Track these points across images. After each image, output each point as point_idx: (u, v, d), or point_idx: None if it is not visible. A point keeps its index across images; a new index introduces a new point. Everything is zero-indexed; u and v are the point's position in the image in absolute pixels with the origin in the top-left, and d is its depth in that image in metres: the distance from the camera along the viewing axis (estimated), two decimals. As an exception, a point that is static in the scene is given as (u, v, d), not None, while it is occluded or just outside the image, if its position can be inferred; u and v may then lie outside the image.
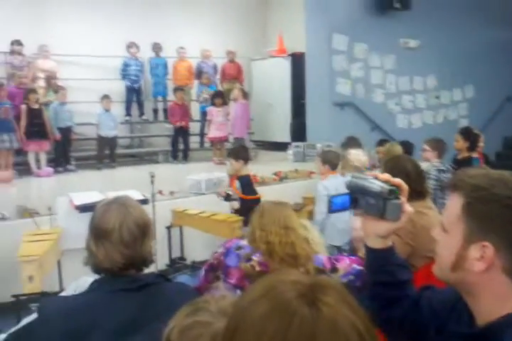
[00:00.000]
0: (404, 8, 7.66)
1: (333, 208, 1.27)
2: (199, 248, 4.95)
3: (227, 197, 4.60)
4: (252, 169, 6.44)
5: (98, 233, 1.55)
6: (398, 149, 4.92)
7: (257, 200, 4.68)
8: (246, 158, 4.69)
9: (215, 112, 7.72)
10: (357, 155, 4.39)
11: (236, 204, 4.44)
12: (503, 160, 5.47)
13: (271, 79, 9.60)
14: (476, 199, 1.01)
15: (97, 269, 1.56)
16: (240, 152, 4.77)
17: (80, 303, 1.50)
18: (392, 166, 2.80)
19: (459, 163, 4.73)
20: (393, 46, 8.20)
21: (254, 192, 4.71)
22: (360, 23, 7.75)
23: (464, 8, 8.70)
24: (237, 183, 4.53)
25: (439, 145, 4.80)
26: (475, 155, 5.40)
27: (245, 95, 7.97)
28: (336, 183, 4.10)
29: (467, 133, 5.49)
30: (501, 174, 1.03)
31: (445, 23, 8.52)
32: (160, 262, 4.32)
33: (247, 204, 4.52)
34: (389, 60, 8.21)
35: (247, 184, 4.62)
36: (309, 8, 7.80)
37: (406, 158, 3.02)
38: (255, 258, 2.17)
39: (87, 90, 8.38)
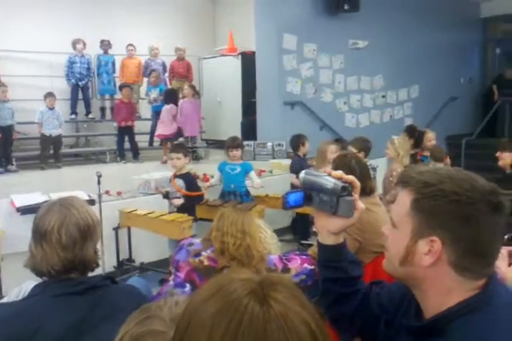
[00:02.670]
0: (353, 10, 7.80)
1: (287, 205, 1.26)
2: (148, 249, 4.87)
3: (166, 195, 4.57)
4: (203, 168, 6.42)
5: (37, 234, 1.52)
6: (330, 148, 4.97)
7: (201, 197, 4.70)
8: (189, 155, 4.80)
9: (163, 110, 7.62)
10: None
11: (178, 201, 4.41)
12: (446, 158, 5.71)
13: (221, 77, 9.56)
14: (424, 195, 1.03)
15: (36, 272, 1.52)
16: (187, 148, 4.80)
17: (21, 309, 1.44)
18: (339, 163, 2.87)
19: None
20: (342, 46, 8.34)
21: (199, 189, 4.73)
22: (310, 23, 7.84)
23: (411, 11, 8.97)
24: (178, 181, 4.50)
25: (364, 145, 4.91)
26: (426, 153, 5.57)
27: (195, 93, 7.90)
28: None
29: (411, 131, 5.67)
30: (448, 170, 1.06)
31: (392, 25, 8.76)
32: (107, 264, 4.20)
33: (192, 201, 4.55)
34: (337, 60, 8.35)
35: (191, 181, 4.62)
36: (259, 7, 7.81)
37: (352, 155, 3.10)
38: (205, 253, 2.19)
39: (31, 87, 8.09)
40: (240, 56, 9.18)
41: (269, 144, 7.54)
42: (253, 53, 8.32)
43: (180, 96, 8.32)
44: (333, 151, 4.97)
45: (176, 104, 7.71)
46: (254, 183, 5.10)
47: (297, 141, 5.64)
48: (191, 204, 4.54)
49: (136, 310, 1.09)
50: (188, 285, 2.17)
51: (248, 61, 8.74)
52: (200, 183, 5.15)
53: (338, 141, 5.81)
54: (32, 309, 1.43)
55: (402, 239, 1.06)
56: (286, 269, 2.23)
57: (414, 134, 5.57)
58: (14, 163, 7.06)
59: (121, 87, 8.07)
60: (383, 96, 9.10)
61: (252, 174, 5.15)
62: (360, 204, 1.21)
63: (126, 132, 7.79)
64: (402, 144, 4.88)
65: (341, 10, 7.82)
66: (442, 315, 1.02)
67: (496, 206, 0.99)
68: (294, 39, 7.75)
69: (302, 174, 1.22)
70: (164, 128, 7.59)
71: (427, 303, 1.07)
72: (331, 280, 1.30)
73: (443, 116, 9.96)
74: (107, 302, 1.49)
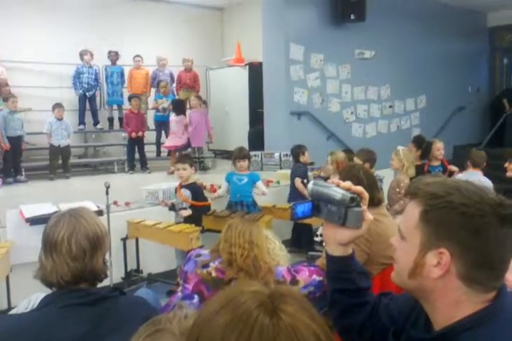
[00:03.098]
0: (359, 20, 7.83)
1: (295, 216, 1.25)
2: (156, 260, 4.86)
3: (172, 207, 4.61)
4: (210, 178, 6.43)
5: (47, 244, 1.53)
6: (341, 156, 5.05)
7: (208, 207, 4.70)
8: (194, 165, 4.83)
9: (173, 121, 7.66)
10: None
11: (185, 213, 4.41)
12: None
13: (228, 88, 9.62)
14: (433, 206, 1.02)
15: (46, 282, 1.52)
16: (192, 159, 4.85)
17: (30, 320, 1.44)
18: (346, 174, 2.87)
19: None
20: (348, 56, 8.37)
21: (205, 199, 4.73)
22: (317, 33, 7.88)
23: (418, 20, 9.01)
24: (185, 192, 4.50)
25: (369, 157, 4.89)
26: (436, 163, 5.54)
27: (202, 102, 7.94)
28: None
29: (419, 142, 5.64)
30: (457, 182, 1.06)
31: (398, 35, 8.79)
32: (115, 275, 4.20)
33: (199, 211, 4.55)
34: (344, 70, 8.37)
35: (197, 191, 4.62)
36: (266, 18, 7.87)
37: (359, 166, 3.10)
38: (213, 264, 2.18)
39: (40, 98, 8.17)
40: (247, 66, 9.24)
41: (277, 154, 7.54)
42: (260, 64, 8.37)
43: (188, 106, 8.38)
44: (327, 162, 5.05)
45: (185, 115, 7.77)
46: (260, 191, 5.13)
47: (297, 151, 5.79)
48: (198, 214, 4.54)
49: (146, 323, 1.09)
50: (196, 296, 2.17)
51: (255, 71, 8.79)
52: (207, 194, 5.17)
53: (346, 151, 5.82)
54: (42, 320, 1.43)
55: (410, 251, 1.06)
56: (294, 281, 2.22)
57: (422, 145, 5.55)
58: (23, 173, 7.11)
59: (130, 98, 8.12)
60: (390, 106, 9.10)
61: (259, 183, 5.17)
62: (369, 216, 1.21)
63: (136, 143, 7.82)
64: (407, 155, 4.87)
65: (347, 20, 7.86)
66: (451, 327, 1.01)
67: (504, 218, 0.98)
68: (301, 49, 7.79)
69: (310, 185, 1.22)
70: (176, 139, 7.63)
71: (436, 315, 1.07)
72: (340, 292, 1.30)
73: (451, 126, 9.95)
74: (115, 313, 1.49)
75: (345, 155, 5.14)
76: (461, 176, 5.22)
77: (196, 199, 4.54)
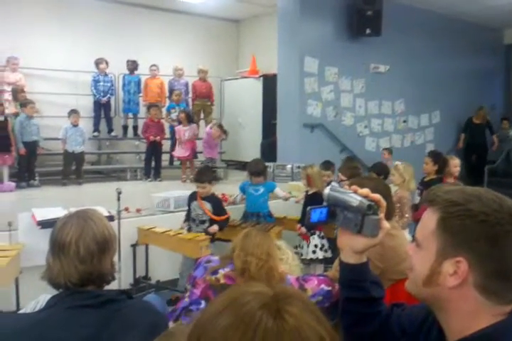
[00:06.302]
0: (375, 34, 7.86)
1: (311, 221, 1.23)
2: (165, 267, 4.84)
3: (188, 217, 4.60)
4: (222, 188, 6.42)
5: (55, 246, 1.52)
6: (313, 170, 4.93)
7: (228, 219, 4.62)
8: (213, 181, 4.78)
9: (182, 131, 7.66)
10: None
11: (214, 229, 4.35)
12: (465, 184, 5.54)
13: (242, 99, 9.66)
14: (451, 214, 1.00)
15: (53, 284, 1.51)
16: (211, 174, 4.82)
17: (36, 320, 1.43)
18: (360, 185, 2.82)
19: (426, 185, 4.80)
20: (363, 70, 8.38)
21: (225, 212, 4.62)
22: (332, 47, 7.91)
23: (433, 36, 9.03)
24: (207, 205, 4.46)
25: (383, 170, 4.84)
26: (451, 180, 5.44)
27: (223, 133, 7.72)
28: None
29: (437, 157, 5.57)
30: (476, 190, 1.03)
31: (414, 50, 8.80)
32: (124, 281, 4.19)
33: (219, 224, 4.46)
34: (359, 84, 8.38)
35: (218, 204, 4.55)
36: (282, 31, 7.93)
37: (372, 177, 3.06)
38: (222, 271, 2.16)
39: (56, 104, 8.27)
40: (261, 78, 9.28)
41: (289, 166, 7.52)
42: (274, 75, 8.40)
43: (202, 116, 8.43)
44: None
45: (197, 124, 7.78)
46: (281, 196, 5.20)
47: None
48: (221, 228, 4.44)
49: (159, 337, 1.07)
50: (203, 302, 2.15)
51: (269, 83, 8.83)
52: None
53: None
54: (47, 320, 1.42)
55: (426, 259, 1.04)
56: (302, 289, 2.18)
57: (439, 160, 5.48)
58: (37, 178, 7.16)
59: (149, 107, 8.17)
60: (404, 121, 9.07)
61: (277, 190, 5.18)
62: (386, 224, 1.19)
63: (155, 150, 7.82)
64: (407, 169, 4.85)
65: (363, 34, 7.89)
66: (466, 340, 0.98)
67: None
68: (315, 62, 7.81)
69: (327, 190, 1.20)
70: (181, 151, 7.64)
71: (451, 327, 1.04)
72: (352, 300, 1.28)
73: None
74: (122, 316, 1.47)
75: (319, 170, 5.03)
76: None
77: (217, 212, 4.46)
